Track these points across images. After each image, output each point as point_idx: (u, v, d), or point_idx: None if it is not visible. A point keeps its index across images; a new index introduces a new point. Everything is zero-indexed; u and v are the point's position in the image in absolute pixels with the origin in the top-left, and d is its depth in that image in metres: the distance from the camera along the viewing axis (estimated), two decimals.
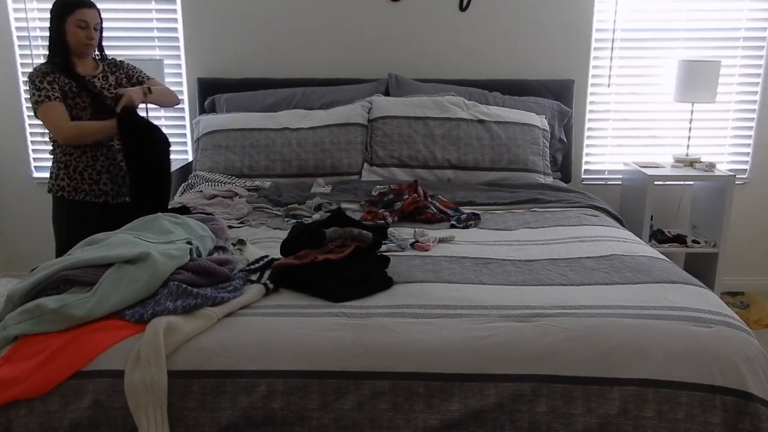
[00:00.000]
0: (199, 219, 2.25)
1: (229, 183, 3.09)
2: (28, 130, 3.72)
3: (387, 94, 3.48)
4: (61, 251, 2.55)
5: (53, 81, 2.52)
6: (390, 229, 2.37)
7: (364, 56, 3.64)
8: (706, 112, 3.71)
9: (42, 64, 2.58)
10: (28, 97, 2.58)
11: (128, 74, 2.77)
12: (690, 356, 1.63)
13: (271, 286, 1.86)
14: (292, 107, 3.42)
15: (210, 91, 3.57)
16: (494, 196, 2.95)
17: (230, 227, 2.48)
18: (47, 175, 3.72)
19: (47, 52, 2.61)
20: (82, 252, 1.86)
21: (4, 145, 3.72)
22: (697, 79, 3.44)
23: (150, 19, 3.63)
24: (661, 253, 2.31)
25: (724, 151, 3.80)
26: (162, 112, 3.73)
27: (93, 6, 2.58)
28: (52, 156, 2.70)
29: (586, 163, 3.83)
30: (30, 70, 2.59)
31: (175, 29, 3.64)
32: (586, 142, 3.79)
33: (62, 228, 2.69)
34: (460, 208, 2.74)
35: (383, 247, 2.17)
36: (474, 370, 1.60)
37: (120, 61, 2.79)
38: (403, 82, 3.51)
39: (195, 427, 1.56)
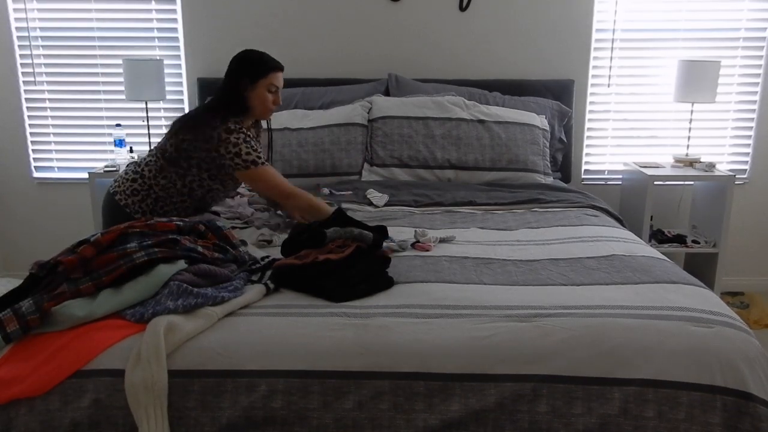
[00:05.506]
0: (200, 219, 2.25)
1: None
2: (29, 130, 3.71)
3: (387, 94, 3.47)
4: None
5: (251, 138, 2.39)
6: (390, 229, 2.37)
7: (364, 56, 3.64)
8: (706, 112, 3.71)
9: (229, 120, 2.37)
10: (233, 151, 2.34)
11: (257, 132, 2.66)
12: (690, 356, 1.63)
13: (271, 286, 1.86)
14: (292, 107, 3.42)
15: (210, 91, 3.54)
16: (494, 196, 2.95)
17: (233, 227, 2.47)
18: (47, 174, 3.77)
19: (215, 104, 2.46)
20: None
21: (4, 145, 3.72)
22: (697, 79, 3.44)
23: (150, 19, 3.63)
24: (661, 253, 2.31)
25: (724, 151, 3.80)
26: (162, 113, 3.74)
27: (283, 69, 2.46)
28: (139, 176, 2.45)
29: (586, 163, 3.83)
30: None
31: (175, 29, 3.64)
32: (586, 142, 3.79)
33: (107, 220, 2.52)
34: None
35: (384, 247, 2.17)
36: (474, 370, 1.60)
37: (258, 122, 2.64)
38: (403, 82, 3.51)
39: (195, 427, 1.56)
